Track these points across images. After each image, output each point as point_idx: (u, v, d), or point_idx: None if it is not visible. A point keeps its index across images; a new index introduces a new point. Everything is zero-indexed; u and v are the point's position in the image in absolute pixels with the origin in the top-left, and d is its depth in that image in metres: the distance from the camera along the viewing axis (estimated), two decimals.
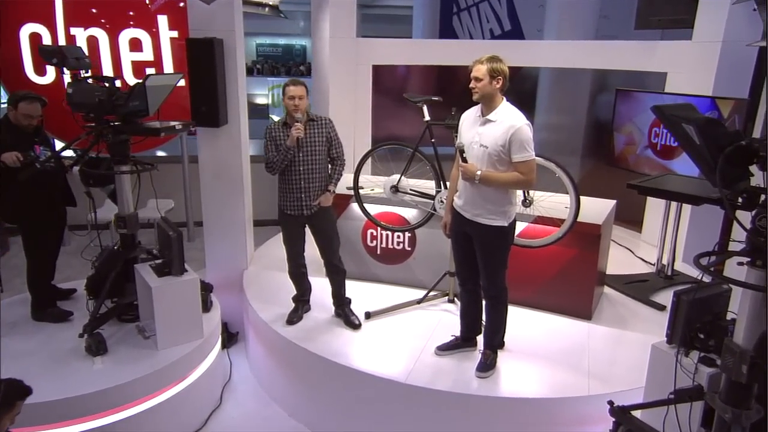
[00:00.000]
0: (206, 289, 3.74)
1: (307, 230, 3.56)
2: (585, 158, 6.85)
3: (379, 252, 4.18)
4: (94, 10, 5.37)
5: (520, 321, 3.64)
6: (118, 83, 3.21)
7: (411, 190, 3.67)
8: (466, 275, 3.13)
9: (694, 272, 4.49)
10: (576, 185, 3.26)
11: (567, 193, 3.35)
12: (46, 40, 5.25)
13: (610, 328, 3.64)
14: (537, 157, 3.15)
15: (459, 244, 3.06)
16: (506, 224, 2.86)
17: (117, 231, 3.41)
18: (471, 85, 2.77)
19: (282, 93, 3.28)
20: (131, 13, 5.50)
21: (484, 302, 3.14)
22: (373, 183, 3.95)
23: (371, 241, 4.18)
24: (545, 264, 3.70)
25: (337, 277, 3.60)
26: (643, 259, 4.79)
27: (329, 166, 3.47)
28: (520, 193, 3.34)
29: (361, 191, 3.87)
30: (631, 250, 4.97)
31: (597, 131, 6.86)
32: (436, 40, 8.32)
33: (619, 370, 3.19)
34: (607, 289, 4.16)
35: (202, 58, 3.69)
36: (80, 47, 3.58)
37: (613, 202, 3.99)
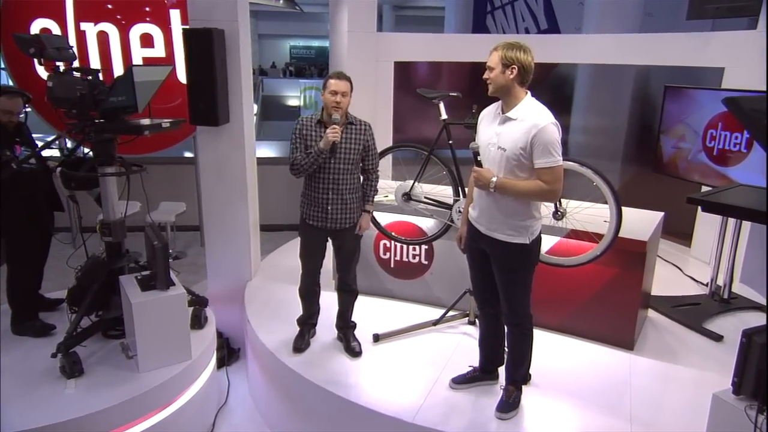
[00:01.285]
0: (200, 303, 3.42)
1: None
2: (626, 164, 6.29)
3: (392, 265, 3.79)
4: (109, 6, 5.16)
5: (550, 349, 3.18)
6: (102, 76, 2.91)
7: (426, 198, 3.25)
8: (484, 297, 2.71)
9: (755, 295, 3.94)
10: (617, 195, 2.79)
11: (606, 204, 2.89)
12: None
13: (656, 361, 3.13)
14: (570, 162, 2.71)
15: (475, 261, 2.64)
16: (528, 242, 2.42)
17: (102, 239, 3.11)
18: (484, 76, 2.36)
19: (323, 86, 2.85)
20: (146, 9, 5.27)
21: (506, 329, 2.70)
22: (387, 189, 3.56)
23: (384, 254, 3.79)
24: (581, 284, 3.23)
25: (347, 298, 3.22)
26: (693, 279, 4.24)
27: (361, 177, 3.05)
28: (548, 203, 2.89)
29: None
30: (679, 268, 4.43)
31: (640, 134, 6.30)
32: (464, 35, 7.90)
33: (668, 414, 2.70)
34: (651, 313, 3.65)
35: (199, 50, 3.37)
36: (63, 37, 3.32)
37: (660, 214, 3.49)
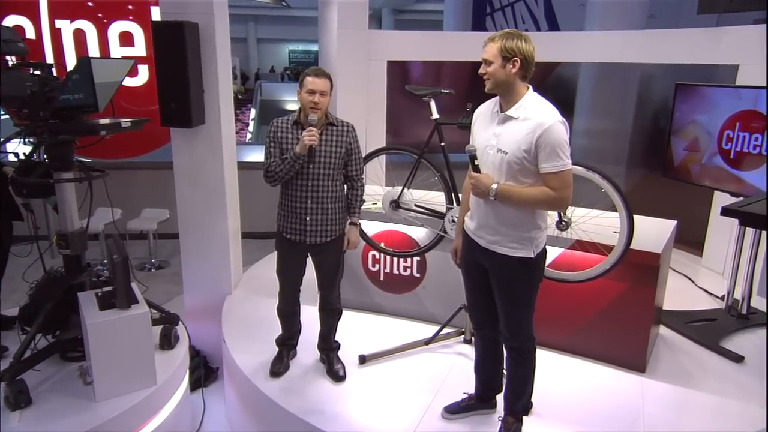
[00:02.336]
0: (170, 321, 3.13)
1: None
2: (631, 168, 6.02)
3: (382, 278, 3.50)
4: (90, 4, 4.91)
5: (554, 371, 2.89)
6: (55, 71, 2.64)
7: (416, 206, 2.96)
8: (481, 317, 2.42)
9: None
10: (628, 203, 2.50)
11: (615, 212, 2.60)
12: (30, 33, 4.80)
13: (671, 386, 2.84)
14: (576, 167, 2.42)
15: (472, 277, 2.35)
16: (533, 255, 2.13)
17: (59, 252, 2.82)
18: (480, 71, 2.08)
19: (299, 84, 2.55)
20: (129, 8, 5.01)
21: (505, 352, 2.41)
22: (375, 195, 3.27)
23: (373, 265, 3.50)
24: (586, 300, 2.94)
25: (330, 317, 2.92)
26: (707, 291, 3.95)
27: (344, 185, 2.74)
28: (552, 212, 2.60)
29: None
30: (691, 279, 4.13)
31: (646, 136, 6.04)
32: (460, 32, 7.61)
33: None
34: (663, 329, 3.35)
35: (170, 45, 3.09)
36: (12, 28, 3.04)
37: (673, 223, 3.20)
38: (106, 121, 2.63)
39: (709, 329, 3.33)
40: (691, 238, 4.61)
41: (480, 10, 9.90)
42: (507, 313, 2.23)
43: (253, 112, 18.89)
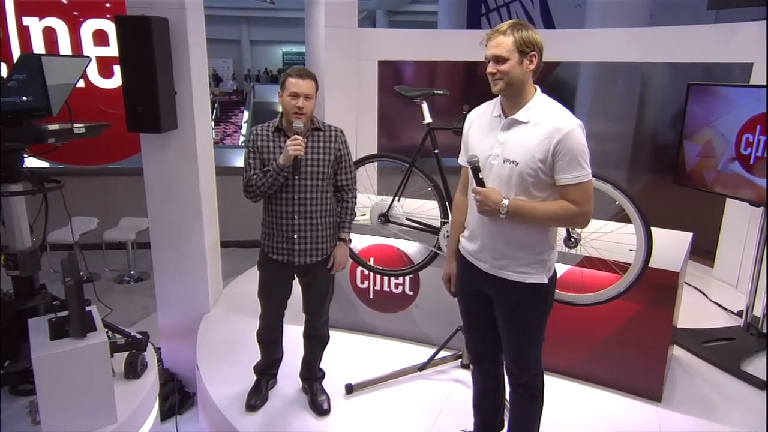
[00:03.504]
0: (136, 347, 2.83)
1: None
2: (634, 173, 5.75)
3: (371, 296, 3.21)
4: (63, 1, 4.60)
5: (560, 400, 2.61)
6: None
7: (408, 219, 2.66)
8: (480, 351, 2.13)
9: None
10: (646, 218, 2.23)
11: (626, 225, 2.33)
12: None
13: (691, 417, 2.56)
14: None
15: (470, 307, 2.07)
16: (545, 280, 1.86)
17: (7, 273, 2.52)
18: (489, 70, 1.78)
19: (280, 86, 2.26)
20: (102, 4, 4.71)
21: (507, 388, 2.12)
22: (363, 206, 2.99)
23: (362, 282, 3.22)
24: (597, 321, 2.66)
25: (316, 345, 2.63)
26: (721, 306, 3.68)
27: (333, 197, 2.43)
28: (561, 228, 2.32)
29: None
30: (704, 293, 3.86)
31: (650, 140, 5.77)
32: (454, 31, 7.34)
33: None
34: (677, 350, 3.08)
35: (135, 42, 2.80)
36: None
37: (689, 235, 2.93)
38: (56, 127, 2.33)
39: (728, 350, 3.06)
40: (700, 247, 4.34)
41: (475, 10, 9.74)
42: (515, 347, 1.95)
43: (246, 115, 18.64)
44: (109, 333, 2.71)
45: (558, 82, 6.33)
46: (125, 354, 2.77)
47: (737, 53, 3.85)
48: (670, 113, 5.44)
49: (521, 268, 1.85)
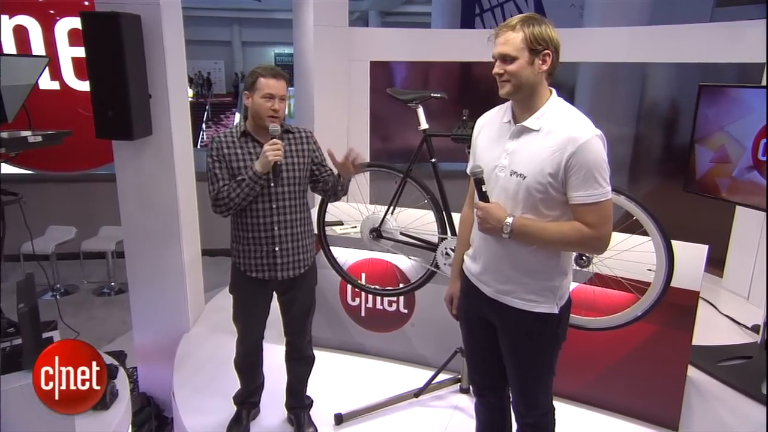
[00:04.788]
0: (109, 375, 2.58)
1: None
2: (636, 178, 5.56)
3: (363, 314, 2.99)
4: None
5: (565, 427, 2.38)
6: None
7: (402, 234, 2.43)
8: (485, 383, 1.91)
9: None
10: (666, 233, 2.01)
11: (645, 240, 2.11)
12: None
13: None
14: None
15: (473, 333, 1.85)
16: (556, 310, 1.64)
17: None
18: (496, 70, 1.57)
19: (249, 86, 2.05)
20: (81, 2, 4.47)
21: (515, 425, 1.90)
22: (352, 216, 2.76)
23: (353, 299, 2.99)
24: (608, 342, 2.45)
25: (301, 369, 2.41)
26: (733, 319, 3.48)
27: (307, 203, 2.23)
28: None
29: (334, 231, 2.69)
30: (714, 305, 3.66)
31: (653, 143, 5.59)
32: (450, 30, 7.14)
33: None
34: (691, 370, 2.86)
35: (103, 41, 2.57)
36: None
37: (704, 248, 2.73)
38: (5, 135, 2.09)
39: (746, 371, 2.86)
40: (710, 256, 4.16)
41: (469, 10, 9.62)
42: (521, 383, 1.73)
43: (237, 117, 18.44)
44: None
45: (554, 84, 6.14)
46: None
47: (748, 53, 3.66)
48: (674, 116, 5.26)
49: (528, 296, 1.63)
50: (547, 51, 1.51)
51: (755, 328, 3.29)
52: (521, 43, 1.52)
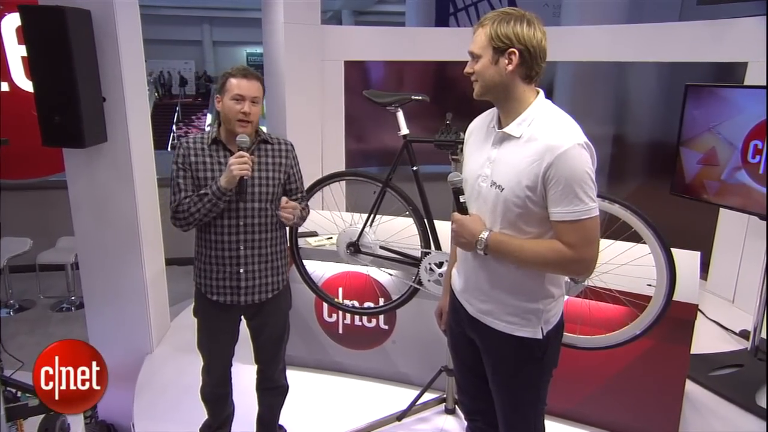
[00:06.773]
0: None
1: None
2: (615, 179, 5.48)
3: (341, 331, 2.80)
4: None
5: None
6: None
7: (382, 249, 2.24)
8: (474, 406, 1.75)
9: None
10: (667, 246, 1.88)
11: (643, 251, 1.98)
12: None
13: None
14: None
15: (459, 353, 1.69)
16: (540, 336, 1.47)
17: None
18: (466, 69, 1.43)
19: (219, 88, 1.86)
20: None
21: None
22: (328, 227, 2.57)
23: (329, 315, 2.80)
24: (601, 359, 2.30)
25: (274, 399, 2.20)
26: (720, 324, 3.40)
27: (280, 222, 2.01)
28: None
29: (308, 242, 2.48)
30: (701, 311, 3.57)
31: (632, 144, 5.51)
32: (427, 28, 7.01)
33: None
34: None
35: (47, 38, 2.32)
36: None
37: (697, 255, 2.62)
38: None
39: (739, 381, 2.76)
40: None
41: (443, 9, 9.58)
42: (505, 412, 1.57)
43: (209, 118, 18.02)
44: (17, 393, 2.23)
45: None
46: (40, 417, 2.29)
47: (730, 51, 3.59)
48: (655, 115, 5.19)
49: (508, 317, 1.47)
50: (512, 49, 1.34)
51: (743, 334, 3.21)
52: (485, 40, 1.37)
